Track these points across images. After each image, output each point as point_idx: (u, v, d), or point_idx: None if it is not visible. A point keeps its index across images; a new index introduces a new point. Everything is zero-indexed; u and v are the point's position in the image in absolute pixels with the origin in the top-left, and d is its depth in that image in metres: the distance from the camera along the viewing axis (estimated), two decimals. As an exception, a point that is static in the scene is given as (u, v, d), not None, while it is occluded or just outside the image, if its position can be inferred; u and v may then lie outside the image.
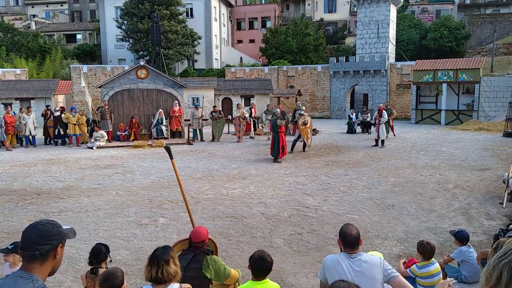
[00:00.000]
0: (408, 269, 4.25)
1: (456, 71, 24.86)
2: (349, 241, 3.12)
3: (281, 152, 13.01)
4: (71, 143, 17.38)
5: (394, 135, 18.88)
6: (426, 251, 4.13)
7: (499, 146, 15.69)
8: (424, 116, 26.40)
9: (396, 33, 33.82)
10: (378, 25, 30.99)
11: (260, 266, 3.16)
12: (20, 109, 18.96)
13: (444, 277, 4.32)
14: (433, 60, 27.53)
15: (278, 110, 15.57)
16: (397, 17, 33.93)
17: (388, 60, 30.78)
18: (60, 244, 1.84)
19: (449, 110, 25.60)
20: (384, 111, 16.18)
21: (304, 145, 15.09)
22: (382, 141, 15.89)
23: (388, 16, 30.67)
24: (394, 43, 32.79)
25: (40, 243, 1.78)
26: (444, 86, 25.54)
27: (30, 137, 17.38)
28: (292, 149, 14.72)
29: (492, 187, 9.34)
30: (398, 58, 33.76)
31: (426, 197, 8.61)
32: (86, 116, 18.80)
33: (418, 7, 43.92)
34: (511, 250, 1.42)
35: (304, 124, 14.63)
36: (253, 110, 20.79)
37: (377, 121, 16.05)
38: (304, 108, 16.13)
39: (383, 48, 31.13)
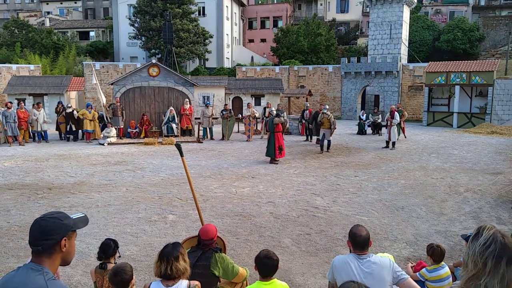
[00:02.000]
0: (417, 273, 4.21)
1: (469, 73, 24.57)
2: (359, 242, 3.10)
3: (279, 153, 12.71)
4: (88, 139, 17.60)
5: (405, 137, 18.73)
6: (436, 254, 4.09)
7: (512, 150, 15.48)
8: (436, 119, 26.14)
9: (409, 34, 33.53)
10: (391, 26, 30.75)
11: (267, 265, 3.16)
12: (33, 105, 19.23)
13: (454, 280, 4.28)
14: (446, 62, 27.22)
15: (273, 109, 15.37)
16: (410, 18, 33.63)
17: (400, 61, 30.53)
18: (65, 238, 1.86)
19: (461, 112, 25.30)
20: (396, 112, 16.05)
21: (329, 145, 15.08)
22: (393, 143, 15.77)
23: (401, 17, 30.42)
24: (407, 44, 32.51)
25: (42, 239, 1.81)
26: (457, 88, 25.26)
27: (42, 132, 17.65)
28: (322, 149, 14.95)
29: (504, 192, 9.22)
30: (411, 59, 33.48)
31: (436, 200, 8.53)
32: (98, 113, 19.02)
33: (432, 8, 43.50)
34: (493, 238, 1.60)
35: (335, 128, 15.20)
36: (268, 109, 20.36)
37: (388, 122, 15.93)
38: (327, 107, 15.93)
39: (395, 49, 30.89)
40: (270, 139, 12.84)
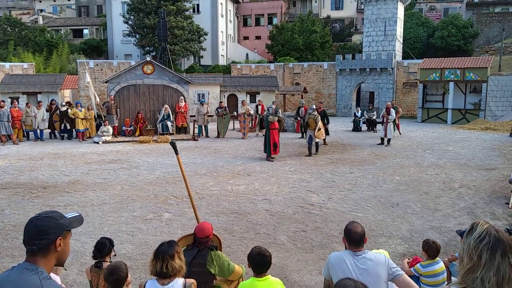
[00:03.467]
0: (412, 268, 4.24)
1: (463, 70, 24.68)
2: (354, 239, 3.11)
3: (273, 150, 12.66)
4: (81, 138, 17.52)
5: (400, 133, 18.79)
6: (431, 250, 4.11)
7: (506, 146, 15.58)
8: (430, 115, 26.25)
9: (403, 31, 33.61)
10: (385, 23, 30.81)
11: (260, 262, 3.19)
12: (27, 103, 19.15)
13: (449, 275, 4.31)
14: (440, 58, 27.32)
15: (273, 106, 15.20)
16: (404, 15, 33.70)
17: (395, 58, 30.61)
18: (60, 237, 1.84)
19: (455, 109, 25.42)
20: (391, 109, 16.09)
21: (317, 148, 13.98)
22: (389, 140, 15.81)
23: (395, 14, 30.47)
24: (401, 41, 32.59)
25: (37, 238, 1.79)
26: (451, 85, 25.35)
27: (39, 131, 17.60)
28: (310, 152, 13.64)
29: (498, 187, 9.28)
30: (405, 56, 33.57)
31: (431, 196, 8.57)
32: (94, 111, 18.93)
33: (426, 5, 43.61)
34: (486, 232, 1.64)
35: (319, 129, 13.65)
36: (260, 107, 20.39)
37: (384, 119, 15.97)
38: (314, 106, 14.66)
39: (390, 46, 30.95)
40: (266, 136, 12.85)
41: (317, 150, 14.05)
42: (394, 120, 16.96)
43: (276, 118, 13.03)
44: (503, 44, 31.63)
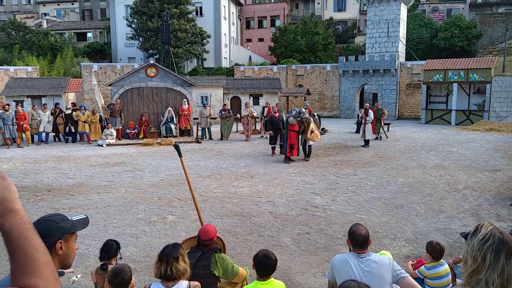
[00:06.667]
0: (416, 270, 4.22)
1: (467, 71, 24.60)
2: (358, 241, 3.10)
3: (289, 151, 12.67)
4: (83, 141, 17.61)
5: (387, 137, 18.28)
6: (435, 251, 4.10)
7: (511, 147, 15.51)
8: (434, 116, 26.17)
9: (406, 32, 33.55)
10: (388, 24, 30.77)
11: (265, 265, 3.18)
12: (33, 106, 19.29)
13: (453, 277, 4.29)
14: (444, 59, 27.25)
15: (297, 109, 14.72)
16: (407, 16, 33.65)
17: (398, 59, 30.54)
18: (60, 240, 1.84)
19: (459, 110, 25.34)
20: (370, 110, 16.20)
21: (308, 153, 13.38)
22: (367, 141, 15.83)
23: (398, 15, 30.43)
24: (404, 43, 32.52)
25: None
26: (455, 86, 25.29)
27: (44, 134, 17.70)
28: (305, 155, 13.32)
29: (503, 188, 9.24)
30: (408, 57, 33.49)
31: (435, 198, 8.54)
32: (99, 114, 19.00)
33: (429, 6, 43.51)
34: (490, 233, 1.64)
35: (312, 132, 12.86)
36: (266, 109, 19.88)
37: (363, 120, 16.09)
38: (304, 109, 13.57)
39: (393, 47, 30.90)
40: (284, 137, 12.96)
41: (309, 154, 13.29)
42: (380, 121, 17.19)
43: (295, 121, 12.58)
44: (507, 44, 31.49)
